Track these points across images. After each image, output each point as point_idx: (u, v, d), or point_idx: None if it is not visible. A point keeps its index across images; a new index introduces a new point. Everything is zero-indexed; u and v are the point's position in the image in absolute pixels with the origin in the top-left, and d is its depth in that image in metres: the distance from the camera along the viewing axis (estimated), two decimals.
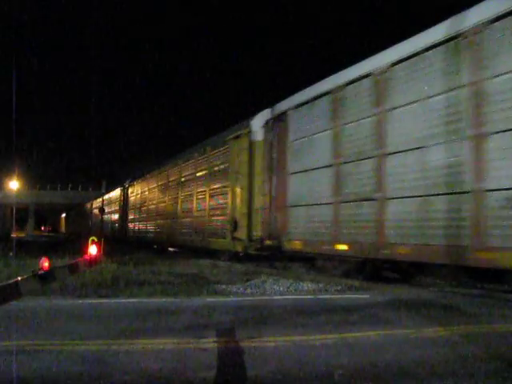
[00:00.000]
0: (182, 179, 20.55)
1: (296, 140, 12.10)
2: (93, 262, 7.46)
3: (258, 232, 13.55)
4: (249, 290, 9.03)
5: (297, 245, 11.75)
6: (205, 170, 17.90)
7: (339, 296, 8.53)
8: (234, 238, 14.50)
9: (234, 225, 14.42)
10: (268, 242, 12.91)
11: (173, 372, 4.17)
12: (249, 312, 6.98)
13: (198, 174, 18.71)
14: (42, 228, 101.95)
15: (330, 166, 10.73)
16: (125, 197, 32.14)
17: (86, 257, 7.37)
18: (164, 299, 7.96)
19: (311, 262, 11.96)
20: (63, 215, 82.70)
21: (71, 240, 33.54)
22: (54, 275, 5.58)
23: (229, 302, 7.79)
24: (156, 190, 25.10)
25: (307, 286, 9.51)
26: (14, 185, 40.69)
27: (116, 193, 35.98)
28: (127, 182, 32.00)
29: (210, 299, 8.03)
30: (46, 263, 5.10)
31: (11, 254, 13.62)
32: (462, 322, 6.18)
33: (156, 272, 11.35)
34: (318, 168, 11.18)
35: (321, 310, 7.10)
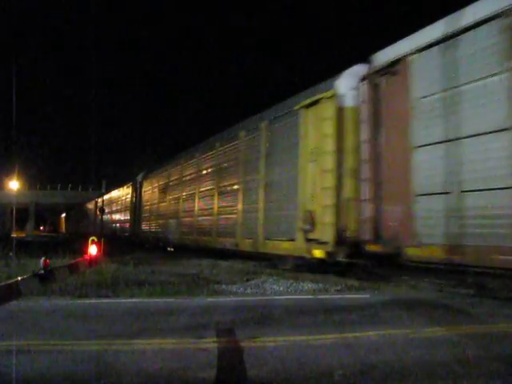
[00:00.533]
0: (223, 165, 16.47)
1: (428, 96, 8.41)
2: (93, 262, 7.50)
3: (350, 232, 9.98)
4: (249, 290, 9.03)
5: (433, 252, 8.11)
6: (258, 151, 13.96)
7: (339, 296, 8.53)
8: (309, 240, 10.83)
9: (311, 222, 10.78)
10: (372, 248, 9.35)
11: (173, 372, 4.18)
12: (249, 312, 6.98)
13: (246, 158, 14.82)
14: (41, 228, 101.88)
15: (508, 129, 7.01)
16: (137, 193, 28.22)
17: (86, 257, 7.41)
18: (164, 299, 7.95)
19: (454, 277, 8.56)
20: (63, 215, 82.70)
21: (71, 240, 33.42)
22: (54, 275, 5.60)
23: (229, 302, 7.78)
24: (181, 182, 20.88)
25: (307, 286, 9.51)
26: (14, 185, 40.68)
27: (124, 189, 32.10)
28: (140, 175, 28.03)
29: (210, 299, 8.03)
30: (46, 263, 5.12)
31: (11, 254, 13.61)
32: (462, 322, 6.19)
33: (156, 272, 11.36)
34: (477, 135, 7.49)
35: (321, 310, 7.09)
